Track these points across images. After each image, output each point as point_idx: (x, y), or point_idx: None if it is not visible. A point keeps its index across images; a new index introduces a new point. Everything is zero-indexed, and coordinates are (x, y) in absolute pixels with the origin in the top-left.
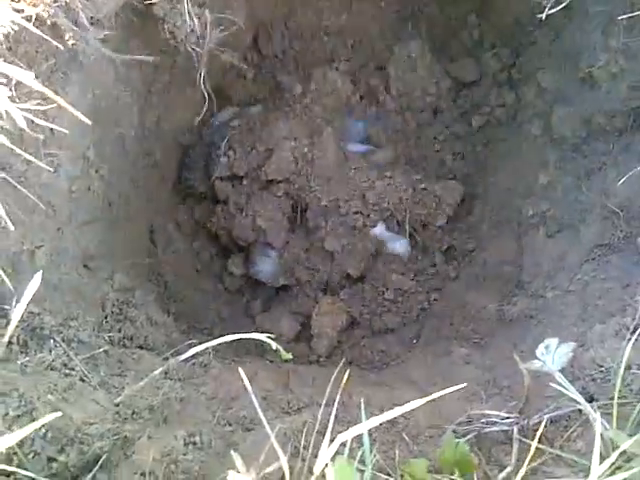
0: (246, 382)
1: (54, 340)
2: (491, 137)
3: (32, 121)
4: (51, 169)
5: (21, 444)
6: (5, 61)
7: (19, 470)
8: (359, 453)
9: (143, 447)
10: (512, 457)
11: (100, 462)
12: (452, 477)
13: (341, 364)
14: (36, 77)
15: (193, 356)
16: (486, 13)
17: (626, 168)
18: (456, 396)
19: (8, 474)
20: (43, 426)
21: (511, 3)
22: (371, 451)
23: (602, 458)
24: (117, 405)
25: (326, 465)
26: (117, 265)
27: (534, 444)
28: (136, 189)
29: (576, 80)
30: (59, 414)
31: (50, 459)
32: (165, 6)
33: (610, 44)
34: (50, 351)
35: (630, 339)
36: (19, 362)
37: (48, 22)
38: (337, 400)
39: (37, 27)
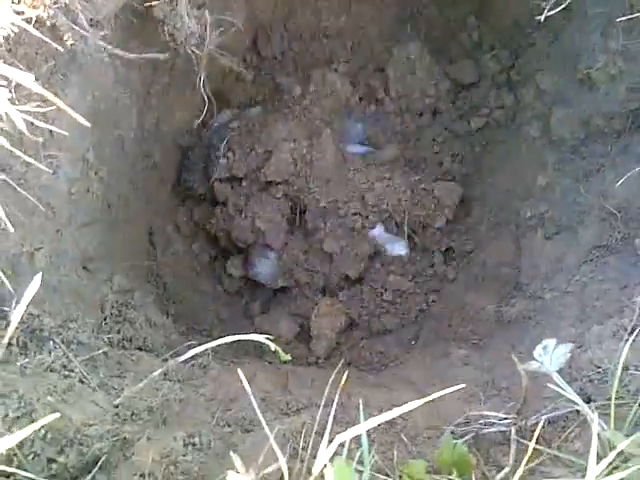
0: (245, 383)
1: (53, 342)
2: (490, 138)
3: (32, 123)
4: (50, 171)
5: (21, 445)
6: (5, 63)
7: (19, 471)
8: (358, 454)
9: (142, 448)
10: (510, 458)
11: (99, 463)
12: (450, 477)
13: (340, 365)
14: (36, 79)
15: (192, 357)
16: (485, 15)
17: (624, 170)
18: (454, 397)
19: (8, 475)
20: (43, 427)
21: (510, 5)
22: (370, 452)
23: (599, 458)
24: (116, 406)
25: (325, 466)
26: (116, 267)
27: (532, 445)
28: (135, 191)
29: (575, 82)
30: (57, 415)
31: (50, 460)
32: (165, 8)
33: (609, 46)
34: (49, 353)
35: (627, 340)
36: (19, 364)
37: (48, 24)
38: (336, 401)
39: (37, 29)
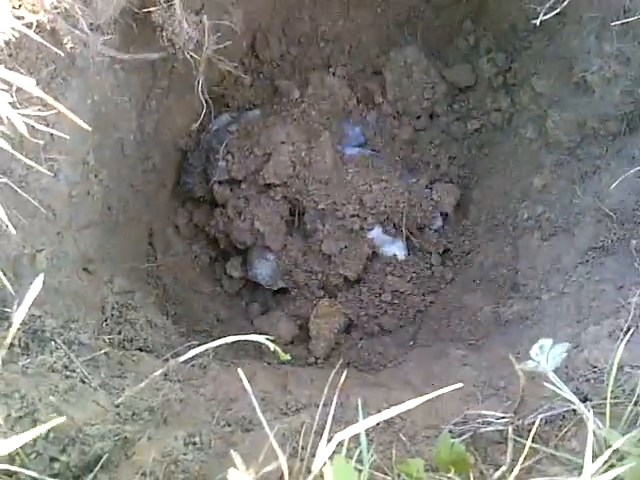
0: (245, 383)
1: (55, 342)
2: (487, 141)
3: (32, 127)
4: (51, 174)
5: (23, 444)
6: (6, 67)
7: (22, 470)
8: (356, 453)
9: (143, 447)
10: (507, 456)
11: (101, 462)
12: (449, 476)
13: (338, 366)
14: (36, 83)
15: (192, 358)
16: (481, 19)
17: (619, 172)
18: (452, 397)
19: (11, 474)
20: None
21: (506, 9)
22: (368, 451)
23: (595, 457)
24: (117, 406)
25: (324, 464)
26: (117, 268)
27: (528, 443)
28: (135, 193)
29: (570, 85)
30: (63, 419)
31: (52, 459)
32: (163, 13)
33: (604, 49)
34: (51, 353)
35: (623, 340)
36: (21, 364)
37: (48, 28)
38: (335, 401)
39: (37, 33)
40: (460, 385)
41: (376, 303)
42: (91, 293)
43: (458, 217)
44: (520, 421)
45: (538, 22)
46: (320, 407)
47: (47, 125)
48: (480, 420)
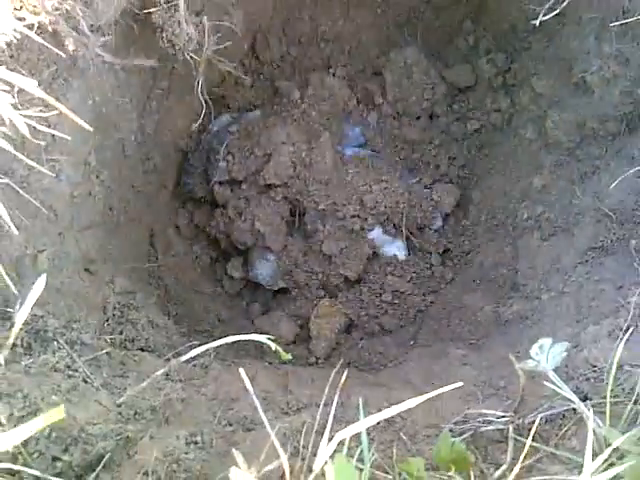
0: (247, 382)
1: (57, 342)
2: (486, 141)
3: (34, 127)
4: (53, 174)
5: (26, 443)
6: (7, 68)
7: (24, 469)
8: (357, 452)
9: (145, 447)
10: (507, 455)
11: (103, 461)
12: (449, 475)
13: (339, 365)
14: (38, 84)
15: (194, 358)
16: (481, 19)
17: (619, 172)
18: (453, 396)
19: (14, 473)
20: (47, 426)
21: (506, 9)
22: (369, 450)
23: (595, 455)
24: (119, 406)
25: (325, 463)
26: (118, 269)
27: (529, 442)
28: (136, 194)
29: (570, 85)
30: (62, 408)
31: (54, 458)
32: (163, 14)
33: (603, 50)
34: (53, 353)
35: (623, 339)
36: (23, 363)
37: (49, 30)
38: (335, 400)
39: (39, 35)
40: (460, 384)
41: (376, 303)
42: (93, 293)
43: (458, 217)
44: (520, 420)
45: (538, 23)
46: (321, 407)
47: (48, 126)
48: (480, 419)
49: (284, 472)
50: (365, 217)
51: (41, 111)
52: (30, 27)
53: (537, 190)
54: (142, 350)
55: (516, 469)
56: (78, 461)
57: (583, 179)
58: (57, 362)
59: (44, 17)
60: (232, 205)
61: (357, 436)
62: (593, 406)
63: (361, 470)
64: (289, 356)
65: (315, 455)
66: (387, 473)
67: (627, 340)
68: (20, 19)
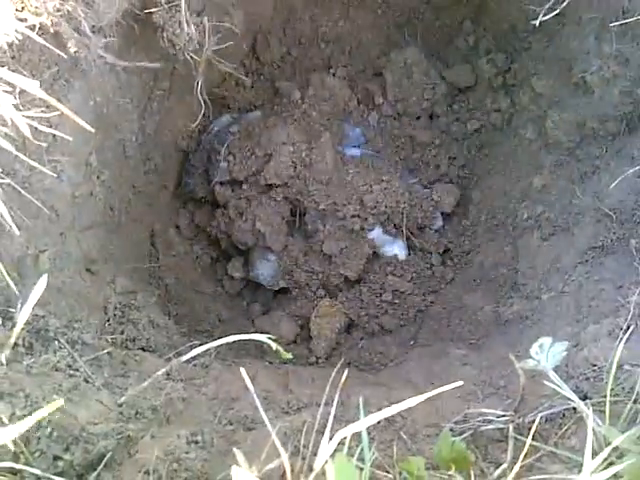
0: (248, 382)
1: (59, 342)
2: (486, 141)
3: (36, 128)
4: (54, 175)
5: (27, 443)
6: (9, 69)
7: (26, 468)
8: (358, 451)
9: (146, 446)
10: (508, 454)
11: (104, 461)
12: (450, 474)
13: (339, 365)
14: (40, 85)
15: (194, 357)
16: (481, 19)
17: (619, 172)
18: (453, 395)
19: (15, 472)
20: (49, 425)
21: (506, 9)
22: (369, 449)
23: (595, 454)
24: (121, 405)
25: (326, 462)
26: (119, 269)
27: (529, 441)
28: (137, 194)
29: (570, 85)
30: (61, 401)
31: (56, 457)
32: (164, 15)
33: (603, 50)
34: (55, 352)
35: (622, 339)
36: (25, 363)
37: (51, 31)
38: (336, 400)
39: (40, 36)
40: (460, 384)
41: (377, 303)
42: (94, 293)
43: (458, 217)
44: (520, 419)
45: (538, 23)
46: (321, 406)
47: (50, 127)
48: (481, 418)
49: (285, 471)
50: (365, 217)
51: (42, 112)
52: (32, 28)
53: (537, 190)
54: (143, 350)
55: (516, 468)
56: (79, 460)
57: (583, 179)
58: (58, 362)
59: (46, 18)
60: (233, 205)
61: (357, 435)
62: (593, 405)
63: (361, 469)
64: (290, 355)
65: (315, 454)
66: (387, 472)
67: (627, 339)
68: (22, 20)
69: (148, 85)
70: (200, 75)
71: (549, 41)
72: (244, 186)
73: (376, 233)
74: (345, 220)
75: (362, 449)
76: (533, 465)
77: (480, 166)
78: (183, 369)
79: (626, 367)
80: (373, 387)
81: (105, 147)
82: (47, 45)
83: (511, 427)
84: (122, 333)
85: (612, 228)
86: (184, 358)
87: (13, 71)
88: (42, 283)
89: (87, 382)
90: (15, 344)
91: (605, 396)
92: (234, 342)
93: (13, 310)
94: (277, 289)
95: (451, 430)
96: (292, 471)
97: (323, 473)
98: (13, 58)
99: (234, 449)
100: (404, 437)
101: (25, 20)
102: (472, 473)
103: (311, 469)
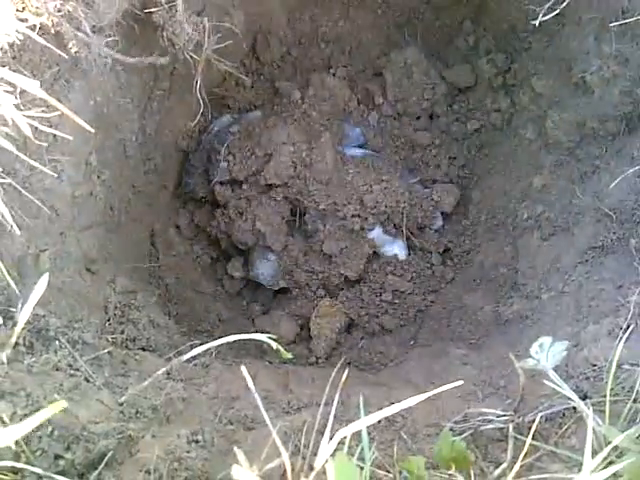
0: (249, 380)
1: (59, 341)
2: (486, 141)
3: (36, 128)
4: (54, 174)
5: (28, 442)
6: (10, 69)
7: (27, 466)
8: (358, 450)
9: (147, 445)
10: (508, 454)
11: (105, 460)
12: (450, 473)
13: (340, 365)
14: (40, 85)
15: (195, 357)
16: (481, 19)
17: (619, 171)
18: (453, 395)
19: (16, 471)
20: (50, 425)
21: (506, 10)
22: (370, 448)
23: (595, 453)
24: (121, 404)
25: (326, 461)
26: (119, 268)
27: (529, 441)
28: (137, 194)
29: (570, 85)
30: (65, 404)
31: (57, 456)
32: (164, 14)
33: (603, 50)
34: (55, 352)
35: (622, 338)
36: (26, 362)
37: (52, 31)
38: (336, 400)
39: (41, 36)
40: (460, 383)
41: (377, 303)
42: (94, 293)
43: (458, 217)
44: (520, 419)
45: (537, 23)
46: (322, 406)
47: (50, 126)
48: (481, 418)
49: (285, 470)
50: (365, 217)
51: (43, 112)
52: (32, 28)
53: (537, 190)
54: (143, 349)
55: (516, 467)
56: (80, 459)
57: (583, 179)
58: (59, 361)
59: (46, 18)
60: (233, 205)
61: (358, 435)
62: (593, 405)
63: (362, 468)
64: (290, 355)
65: (316, 454)
66: (388, 472)
67: (627, 339)
68: (23, 20)
69: (148, 85)
70: (199, 74)
71: (549, 41)
72: (244, 186)
73: (376, 233)
74: (345, 220)
75: (362, 448)
76: (533, 464)
77: (480, 166)
78: (183, 369)
79: (626, 366)
80: (373, 387)
81: (105, 147)
82: (48, 45)
83: (511, 427)
84: (122, 333)
85: (612, 228)
86: (184, 358)
87: (14, 71)
88: (43, 283)
89: (88, 381)
90: (16, 343)
91: (605, 395)
92: (234, 342)
93: (14, 309)
94: (277, 289)
95: (451, 430)
96: (292, 470)
97: (323, 472)
98: (14, 58)
99: (235, 448)
100: (404, 437)
101: (26, 20)
102: (472, 472)
103: (311, 468)
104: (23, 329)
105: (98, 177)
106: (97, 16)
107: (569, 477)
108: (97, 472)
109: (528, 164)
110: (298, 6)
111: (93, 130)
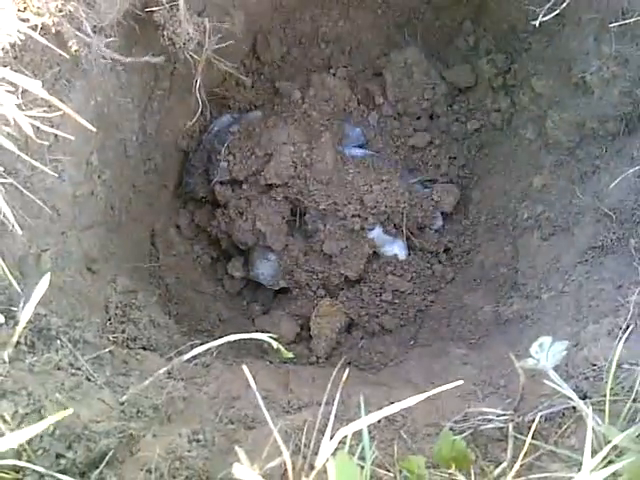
0: (250, 379)
1: (60, 341)
2: (486, 141)
3: (38, 128)
4: (56, 174)
5: (30, 441)
6: (12, 69)
7: (29, 465)
8: (358, 449)
9: (148, 444)
10: (507, 453)
11: (107, 459)
12: (450, 472)
13: (340, 365)
14: (42, 85)
15: (195, 356)
16: (481, 20)
17: (619, 172)
18: (453, 395)
19: (18, 470)
20: (51, 424)
21: (506, 10)
22: (370, 448)
23: (594, 453)
24: (122, 404)
25: (327, 460)
26: (120, 268)
27: (529, 440)
28: (137, 194)
29: (569, 86)
30: (70, 410)
31: (58, 455)
32: (165, 14)
33: (602, 50)
34: (57, 351)
35: (622, 338)
36: (27, 362)
37: (53, 31)
38: (337, 399)
39: (42, 36)
40: (460, 383)
41: (377, 302)
42: (95, 292)
43: (458, 217)
44: (520, 418)
45: (537, 23)
46: (322, 405)
47: (52, 126)
48: (481, 417)
49: (286, 469)
50: (365, 217)
51: (45, 111)
52: (34, 28)
53: (537, 190)
54: (144, 349)
55: (516, 467)
56: (81, 458)
57: (583, 179)
58: (60, 360)
59: (48, 18)
60: (233, 205)
61: (358, 434)
62: (592, 404)
63: (362, 468)
64: (290, 354)
65: (316, 453)
66: (388, 471)
67: (626, 339)
68: (24, 20)
69: (149, 85)
70: (199, 74)
71: (549, 41)
72: (244, 186)
73: (376, 233)
74: (345, 220)
75: (363, 448)
76: (533, 464)
77: (480, 166)
78: (184, 368)
79: (625, 366)
80: (373, 386)
81: (106, 146)
82: (49, 45)
83: (511, 426)
84: (123, 332)
85: (612, 228)
86: (185, 357)
87: (15, 71)
88: (44, 282)
89: (89, 381)
90: (17, 342)
91: (605, 395)
92: (235, 341)
93: (15, 309)
94: (277, 289)
95: (451, 429)
96: (293, 469)
97: (324, 471)
98: (15, 58)
99: (235, 447)
100: (404, 436)
101: (27, 20)
102: (472, 472)
103: (312, 467)
104: (24, 328)
105: (99, 177)
106: (98, 16)
107: (569, 476)
108: (98, 471)
109: (528, 164)
110: (298, 6)
111: (94, 130)
